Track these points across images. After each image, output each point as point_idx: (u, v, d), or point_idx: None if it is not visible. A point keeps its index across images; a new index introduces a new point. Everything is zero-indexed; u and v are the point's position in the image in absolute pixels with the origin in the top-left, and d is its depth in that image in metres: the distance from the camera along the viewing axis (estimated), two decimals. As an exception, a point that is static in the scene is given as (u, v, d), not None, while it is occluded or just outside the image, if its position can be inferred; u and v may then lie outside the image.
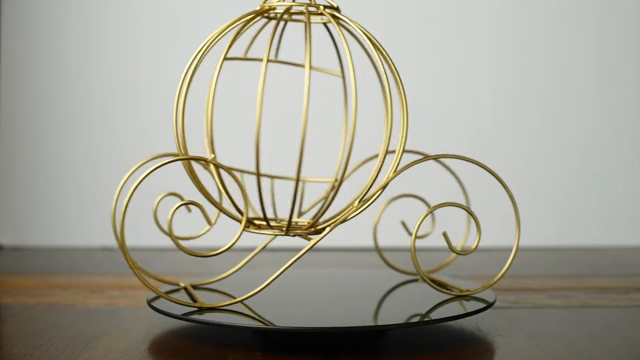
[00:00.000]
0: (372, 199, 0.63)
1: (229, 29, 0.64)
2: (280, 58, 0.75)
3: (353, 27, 0.64)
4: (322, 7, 0.65)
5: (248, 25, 0.65)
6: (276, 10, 0.65)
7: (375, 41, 0.64)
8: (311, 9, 0.65)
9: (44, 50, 1.15)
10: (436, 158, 0.65)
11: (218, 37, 0.64)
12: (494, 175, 0.65)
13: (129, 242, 0.64)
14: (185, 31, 1.15)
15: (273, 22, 0.70)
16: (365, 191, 0.63)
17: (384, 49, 0.65)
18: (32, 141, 1.15)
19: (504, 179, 0.65)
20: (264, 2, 0.66)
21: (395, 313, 0.63)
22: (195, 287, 0.70)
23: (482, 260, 0.98)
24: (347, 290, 0.72)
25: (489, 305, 0.63)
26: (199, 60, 0.64)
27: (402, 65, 0.74)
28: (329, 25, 0.72)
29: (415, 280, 0.74)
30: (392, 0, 1.15)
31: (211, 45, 0.64)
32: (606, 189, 1.15)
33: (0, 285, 0.86)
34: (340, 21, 0.65)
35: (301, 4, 0.65)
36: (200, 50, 0.64)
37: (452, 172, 0.76)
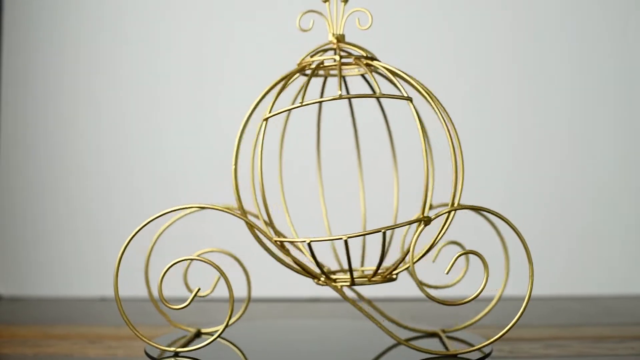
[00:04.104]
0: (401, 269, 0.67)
1: (274, 88, 0.68)
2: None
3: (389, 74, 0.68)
4: (336, 58, 0.68)
5: (289, 82, 0.69)
6: (312, 66, 0.69)
7: (426, 92, 0.67)
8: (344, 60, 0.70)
9: (49, 94, 1.16)
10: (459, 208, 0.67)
11: (265, 95, 0.69)
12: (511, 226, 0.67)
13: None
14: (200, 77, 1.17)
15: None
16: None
17: (435, 99, 0.68)
18: (32, 192, 1.16)
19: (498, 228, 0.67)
20: (302, 59, 0.70)
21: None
22: None
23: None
24: (353, 341, 0.73)
25: (486, 355, 0.64)
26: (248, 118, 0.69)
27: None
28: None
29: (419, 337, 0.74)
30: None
31: (258, 103, 0.69)
32: (600, 239, 1.16)
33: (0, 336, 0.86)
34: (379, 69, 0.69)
35: (332, 57, 0.69)
36: (253, 109, 0.68)
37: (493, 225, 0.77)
